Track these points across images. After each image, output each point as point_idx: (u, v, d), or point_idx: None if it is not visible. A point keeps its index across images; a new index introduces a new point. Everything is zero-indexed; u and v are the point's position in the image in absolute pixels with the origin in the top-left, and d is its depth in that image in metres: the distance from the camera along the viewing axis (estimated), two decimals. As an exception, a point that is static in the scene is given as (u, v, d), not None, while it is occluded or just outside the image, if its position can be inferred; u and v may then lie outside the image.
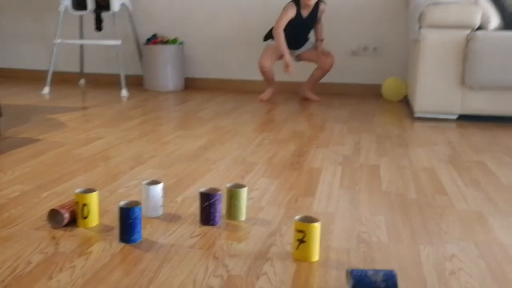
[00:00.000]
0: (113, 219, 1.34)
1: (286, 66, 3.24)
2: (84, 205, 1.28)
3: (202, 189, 1.33)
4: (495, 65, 2.68)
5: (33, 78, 4.31)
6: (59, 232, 1.24)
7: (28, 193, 1.53)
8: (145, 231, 1.27)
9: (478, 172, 1.89)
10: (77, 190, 1.30)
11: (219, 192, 1.31)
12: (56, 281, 1.00)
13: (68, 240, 1.20)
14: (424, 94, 2.86)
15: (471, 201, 1.56)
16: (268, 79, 3.49)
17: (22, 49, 4.41)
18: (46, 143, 2.15)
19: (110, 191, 1.57)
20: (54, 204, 1.44)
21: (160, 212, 1.37)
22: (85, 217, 1.28)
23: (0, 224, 1.29)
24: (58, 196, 1.50)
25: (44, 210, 1.39)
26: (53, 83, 3.88)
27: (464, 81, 2.77)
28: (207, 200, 1.30)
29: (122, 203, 1.21)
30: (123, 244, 1.18)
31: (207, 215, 1.31)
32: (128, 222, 1.18)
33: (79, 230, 1.26)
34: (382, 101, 3.62)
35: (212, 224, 1.31)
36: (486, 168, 1.94)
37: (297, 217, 1.14)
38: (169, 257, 1.12)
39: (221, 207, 1.33)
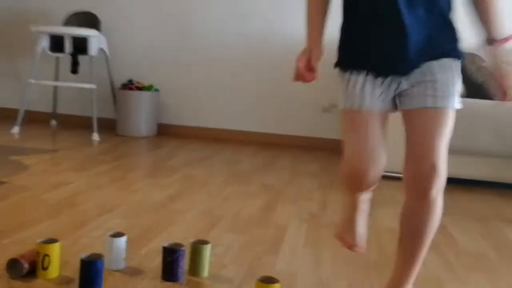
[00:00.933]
0: (74, 271, 1.32)
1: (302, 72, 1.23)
2: (45, 255, 1.27)
3: (166, 244, 1.33)
4: (457, 130, 2.80)
5: (3, 116, 4.26)
6: (17, 283, 1.22)
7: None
8: (106, 284, 1.25)
9: (438, 235, 1.93)
10: (39, 240, 1.28)
11: (182, 248, 1.32)
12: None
13: (24, 292, 1.18)
14: (391, 153, 2.94)
15: (430, 265, 1.60)
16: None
17: (-5, 86, 4.38)
18: (10, 187, 2.12)
19: (74, 240, 1.55)
20: (14, 252, 1.41)
21: (123, 265, 1.36)
22: (45, 268, 1.27)
23: (-44, 273, 1.26)
24: (19, 244, 1.48)
25: (3, 258, 1.36)
26: (24, 122, 3.85)
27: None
28: (170, 255, 1.30)
29: (84, 255, 1.20)
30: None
31: (169, 271, 1.31)
32: (89, 275, 1.17)
33: (38, 282, 1.24)
34: (351, 157, 3.70)
35: (174, 280, 1.30)
36: (446, 232, 1.99)
37: (258, 278, 1.15)
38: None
39: (184, 263, 1.33)
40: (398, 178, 3.05)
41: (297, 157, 3.53)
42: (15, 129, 3.59)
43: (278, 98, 4.03)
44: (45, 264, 1.26)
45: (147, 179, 2.47)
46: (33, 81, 3.61)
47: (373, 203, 2.36)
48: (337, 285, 1.37)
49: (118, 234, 1.37)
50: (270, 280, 1.15)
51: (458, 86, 1.16)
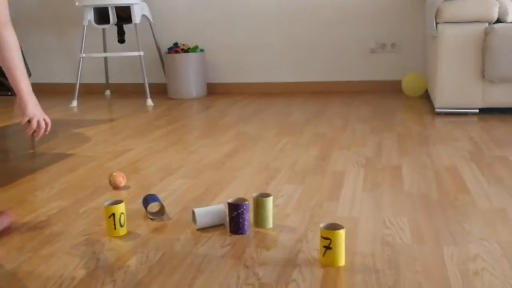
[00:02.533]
0: (143, 230, 1.41)
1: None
2: (122, 214, 1.37)
3: (230, 200, 1.40)
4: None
5: (61, 91, 4.45)
6: (99, 247, 1.32)
7: (66, 209, 1.62)
8: (179, 242, 1.34)
9: (501, 168, 1.90)
10: (105, 203, 1.38)
11: (246, 202, 1.38)
12: (100, 295, 1.08)
13: (107, 254, 1.28)
14: (444, 89, 2.87)
15: (494, 199, 1.59)
16: None
17: (49, 64, 4.56)
18: (78, 158, 2.25)
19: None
20: (92, 219, 1.52)
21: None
22: (122, 225, 1.37)
23: (43, 241, 1.38)
24: (95, 212, 1.59)
25: (82, 226, 1.47)
26: (81, 95, 4.01)
27: (484, 74, 2.77)
28: (235, 210, 1.36)
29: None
30: (158, 257, 1.25)
31: (236, 224, 1.37)
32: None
33: (116, 244, 1.34)
34: (403, 97, 3.63)
35: (241, 233, 1.37)
36: (509, 163, 1.95)
37: (322, 225, 1.19)
38: (202, 267, 1.19)
39: (249, 216, 1.39)
40: (455, 114, 3.00)
41: (347, 103, 3.50)
42: (74, 103, 3.75)
43: (323, 45, 3.97)
44: (122, 222, 1.37)
45: (203, 139, 2.54)
46: (84, 55, 3.73)
47: (431, 140, 2.34)
48: (400, 225, 1.40)
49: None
50: (334, 226, 1.19)
51: None
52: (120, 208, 1.38)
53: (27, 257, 1.27)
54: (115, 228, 1.38)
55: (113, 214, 1.37)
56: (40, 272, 1.20)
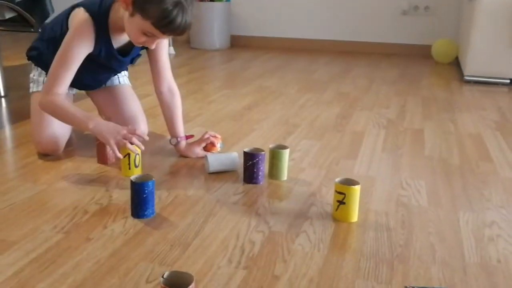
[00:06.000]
0: (158, 173, 1.41)
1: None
2: (137, 155, 1.36)
3: (246, 149, 1.38)
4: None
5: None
6: (112, 185, 1.33)
7: (82, 147, 1.62)
8: (192, 186, 1.33)
9: (527, 139, 1.84)
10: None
11: (262, 153, 1.36)
12: (111, 230, 1.09)
13: (120, 192, 1.28)
14: (476, 56, 2.77)
15: (517, 169, 1.54)
16: None
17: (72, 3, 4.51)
18: (98, 99, 2.24)
19: (160, 147, 1.64)
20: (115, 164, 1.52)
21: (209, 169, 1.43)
22: (137, 166, 1.37)
23: (58, 175, 1.39)
24: (111, 151, 1.59)
25: (97, 163, 1.48)
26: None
27: (519, 43, 2.66)
28: (251, 159, 1.35)
29: (133, 177, 1.16)
30: (171, 199, 1.25)
31: (250, 174, 1.36)
32: (142, 197, 1.13)
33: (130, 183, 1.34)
34: (432, 62, 3.53)
35: (255, 183, 1.36)
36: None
37: (337, 179, 1.17)
38: (214, 211, 1.19)
39: (264, 167, 1.38)
40: (484, 83, 2.91)
41: (374, 64, 3.41)
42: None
43: (353, 3, 3.85)
44: (137, 162, 1.37)
45: (223, 90, 2.51)
46: None
47: (456, 107, 2.27)
48: (417, 187, 1.37)
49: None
50: (350, 182, 1.16)
51: None
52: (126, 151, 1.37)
53: (42, 189, 1.29)
54: (129, 168, 1.38)
55: (128, 154, 1.36)
56: (54, 204, 1.21)
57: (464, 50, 2.95)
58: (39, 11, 2.46)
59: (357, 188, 1.15)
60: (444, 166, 1.54)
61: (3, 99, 2.24)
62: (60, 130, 1.51)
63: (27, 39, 4.19)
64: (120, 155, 1.32)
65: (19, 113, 2.00)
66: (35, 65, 1.59)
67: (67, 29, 1.41)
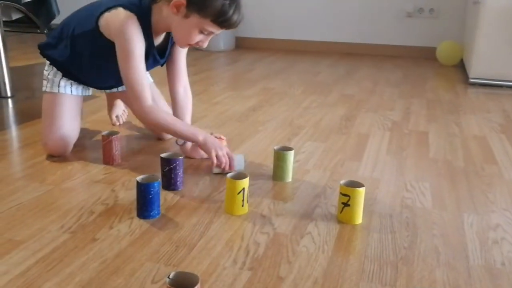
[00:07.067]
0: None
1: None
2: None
3: (163, 154, 1.32)
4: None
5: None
6: (118, 185, 1.33)
7: (88, 147, 1.63)
8: (198, 187, 1.34)
9: (532, 142, 1.84)
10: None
11: (180, 158, 1.30)
12: (117, 230, 1.09)
13: (126, 193, 1.29)
14: (481, 59, 2.77)
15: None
16: None
17: (78, 5, 4.53)
18: (104, 101, 2.25)
19: (163, 148, 1.65)
20: (112, 159, 1.53)
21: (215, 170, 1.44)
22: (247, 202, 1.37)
23: (65, 175, 1.40)
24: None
25: (103, 164, 1.49)
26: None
27: (524, 46, 2.66)
28: (168, 165, 1.29)
29: (139, 178, 1.15)
30: (176, 199, 1.26)
31: (168, 180, 1.30)
32: (148, 198, 1.13)
33: (135, 184, 1.35)
34: (436, 65, 3.53)
35: (173, 189, 1.31)
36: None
37: (342, 181, 1.17)
38: (219, 213, 1.19)
39: (183, 172, 1.32)
40: (490, 86, 2.91)
41: (378, 66, 3.41)
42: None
43: (358, 5, 3.85)
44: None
45: (228, 91, 2.52)
46: None
47: (461, 109, 2.27)
48: (421, 190, 1.37)
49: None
50: (355, 184, 1.17)
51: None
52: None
53: (48, 189, 1.30)
54: (242, 205, 1.22)
55: (243, 189, 1.21)
56: (60, 204, 1.22)
57: (469, 52, 2.95)
58: (45, 13, 2.48)
59: (361, 190, 1.15)
60: (448, 168, 1.55)
61: (9, 100, 2.26)
62: (69, 133, 1.52)
63: (34, 40, 4.22)
64: (216, 163, 1.39)
65: (26, 114, 2.02)
66: (50, 63, 1.56)
67: (96, 30, 1.40)
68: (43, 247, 1.02)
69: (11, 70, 2.35)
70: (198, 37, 1.36)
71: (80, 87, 1.57)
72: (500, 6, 2.66)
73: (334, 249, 1.05)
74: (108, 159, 1.48)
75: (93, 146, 1.64)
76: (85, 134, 1.75)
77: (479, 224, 1.19)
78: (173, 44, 1.54)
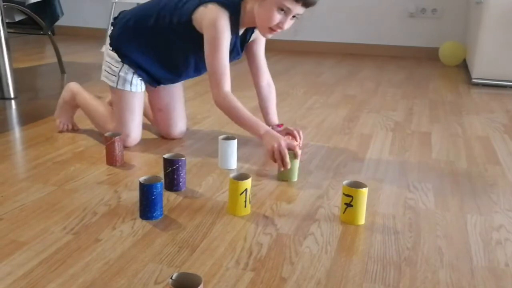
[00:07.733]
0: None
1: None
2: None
3: (166, 155, 1.32)
4: None
5: (94, 36, 4.45)
6: (120, 186, 1.34)
7: (91, 148, 1.64)
8: (201, 187, 1.34)
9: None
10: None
11: (182, 158, 1.31)
12: (120, 231, 1.10)
13: (128, 194, 1.29)
14: (483, 59, 2.76)
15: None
16: None
17: (82, 7, 4.55)
18: (106, 101, 2.26)
19: (167, 149, 1.65)
20: (115, 160, 1.53)
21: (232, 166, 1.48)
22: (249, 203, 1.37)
23: (68, 176, 1.40)
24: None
25: (106, 165, 1.49)
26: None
27: (528, 46, 2.65)
28: (170, 165, 1.29)
29: (142, 179, 1.15)
30: (179, 201, 1.26)
31: (170, 181, 1.30)
32: (150, 199, 1.13)
33: (137, 185, 1.35)
34: (439, 65, 3.52)
35: (176, 190, 1.31)
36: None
37: (345, 182, 1.17)
38: (222, 213, 1.19)
39: (185, 173, 1.32)
40: (493, 86, 2.90)
41: (381, 67, 3.41)
42: (103, 48, 3.75)
43: (360, 6, 3.85)
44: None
45: (232, 92, 2.51)
46: (116, 0, 3.70)
47: (464, 110, 2.27)
48: (424, 190, 1.37)
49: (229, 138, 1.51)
50: (358, 184, 1.17)
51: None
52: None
53: (51, 190, 1.30)
54: (245, 206, 1.20)
55: (246, 190, 1.20)
56: (63, 205, 1.22)
57: (472, 52, 2.94)
58: (49, 14, 2.48)
59: (364, 191, 1.15)
60: (451, 169, 1.54)
61: (13, 101, 2.26)
62: (141, 126, 1.66)
63: (37, 41, 4.23)
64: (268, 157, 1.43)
65: (29, 115, 2.02)
66: (121, 61, 1.60)
67: (189, 22, 1.49)
68: (46, 248, 1.02)
69: (14, 71, 2.35)
70: (277, 17, 1.45)
71: (143, 84, 1.64)
72: (503, 6, 2.66)
73: (337, 249, 1.05)
74: (111, 160, 1.49)
75: (95, 147, 1.64)
76: (88, 135, 1.76)
77: (482, 225, 1.18)
78: (250, 40, 1.68)
